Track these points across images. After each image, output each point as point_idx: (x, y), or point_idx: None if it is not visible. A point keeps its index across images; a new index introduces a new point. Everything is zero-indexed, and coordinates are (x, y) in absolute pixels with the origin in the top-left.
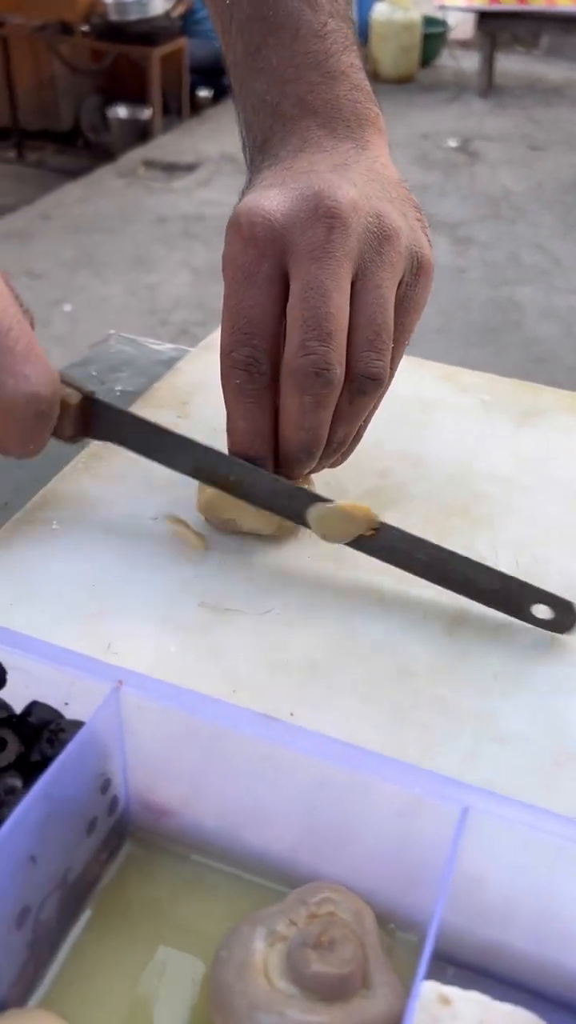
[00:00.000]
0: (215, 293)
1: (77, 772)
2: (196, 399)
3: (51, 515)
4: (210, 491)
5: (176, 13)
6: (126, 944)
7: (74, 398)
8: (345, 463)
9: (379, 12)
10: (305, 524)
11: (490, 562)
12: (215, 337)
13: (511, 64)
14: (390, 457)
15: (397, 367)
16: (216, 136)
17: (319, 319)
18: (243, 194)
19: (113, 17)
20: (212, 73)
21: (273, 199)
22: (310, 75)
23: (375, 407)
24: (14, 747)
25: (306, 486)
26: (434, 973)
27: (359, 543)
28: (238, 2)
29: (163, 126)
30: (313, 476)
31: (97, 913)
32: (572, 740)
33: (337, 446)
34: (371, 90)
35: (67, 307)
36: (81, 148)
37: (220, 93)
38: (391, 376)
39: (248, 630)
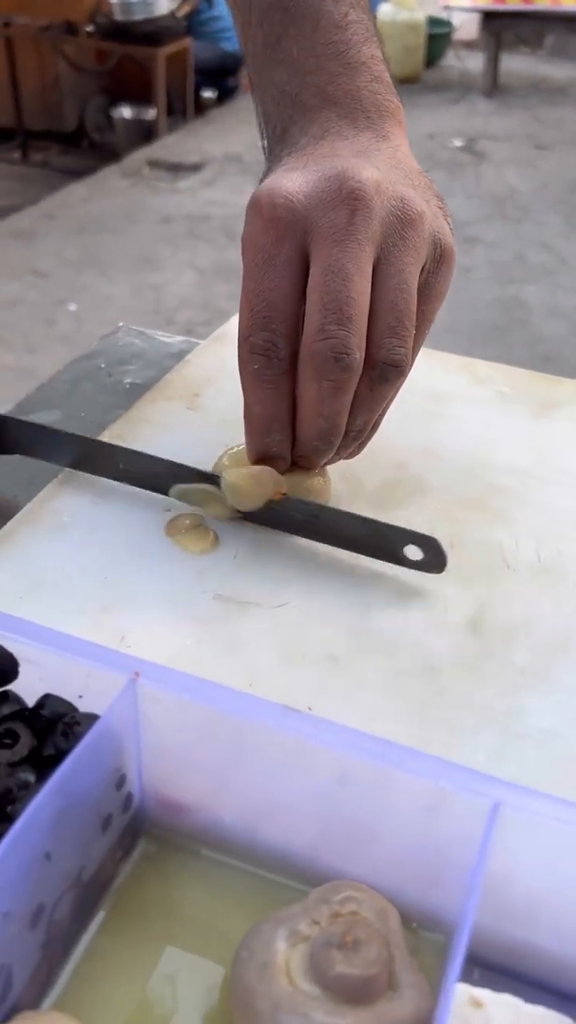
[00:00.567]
0: (220, 293)
1: (92, 767)
2: (207, 391)
3: (61, 507)
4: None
5: (181, 13)
6: (141, 945)
7: None
8: (360, 455)
9: (384, 12)
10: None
11: (511, 555)
12: (225, 329)
13: (516, 64)
14: (406, 449)
15: (416, 356)
16: (221, 136)
17: (339, 303)
18: (262, 182)
19: (118, 17)
20: (217, 74)
21: (295, 180)
22: (330, 66)
23: (394, 396)
24: (27, 741)
25: (320, 478)
26: (461, 975)
27: (259, 513)
28: None
29: (168, 126)
30: (328, 468)
31: (112, 913)
32: None
33: (356, 435)
34: (391, 82)
35: (72, 306)
36: (86, 148)
37: (225, 94)
38: (411, 365)
39: (265, 622)
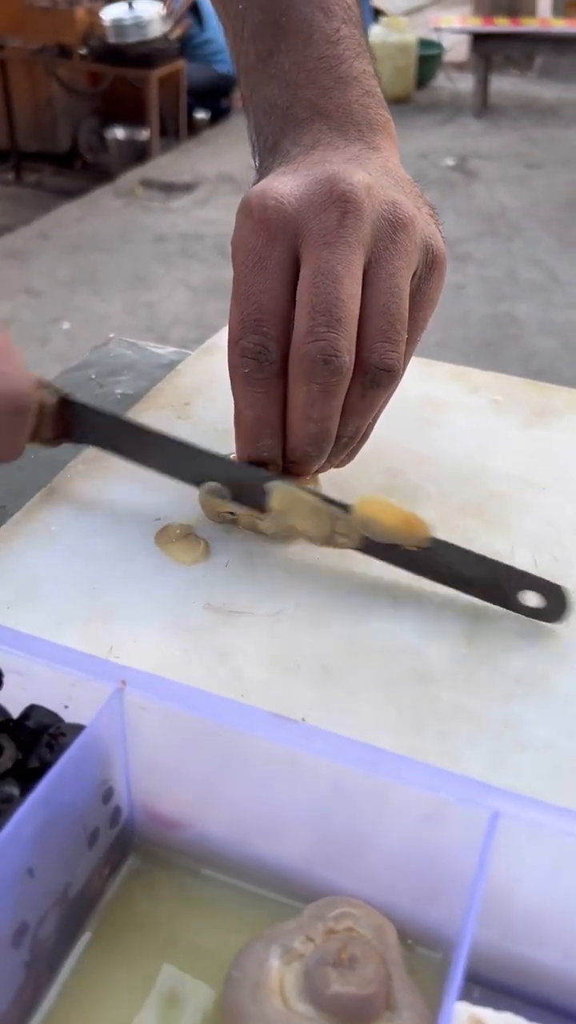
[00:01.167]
0: (213, 310)
1: (78, 779)
2: (198, 401)
3: (50, 517)
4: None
5: (174, 35)
6: (130, 964)
7: (51, 399)
8: (354, 462)
9: (375, 34)
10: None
11: (507, 562)
12: (215, 340)
13: (506, 85)
14: (401, 457)
15: (408, 362)
16: (214, 156)
17: (329, 304)
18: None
19: (111, 40)
20: (210, 95)
21: (286, 183)
22: (322, 80)
23: (385, 403)
24: (11, 753)
25: (312, 486)
26: (461, 993)
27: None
28: (250, 8)
29: (161, 147)
30: (320, 476)
31: (99, 931)
32: None
33: (347, 441)
34: (383, 96)
35: (65, 325)
36: (79, 169)
37: (218, 115)
38: (403, 371)
39: (256, 632)
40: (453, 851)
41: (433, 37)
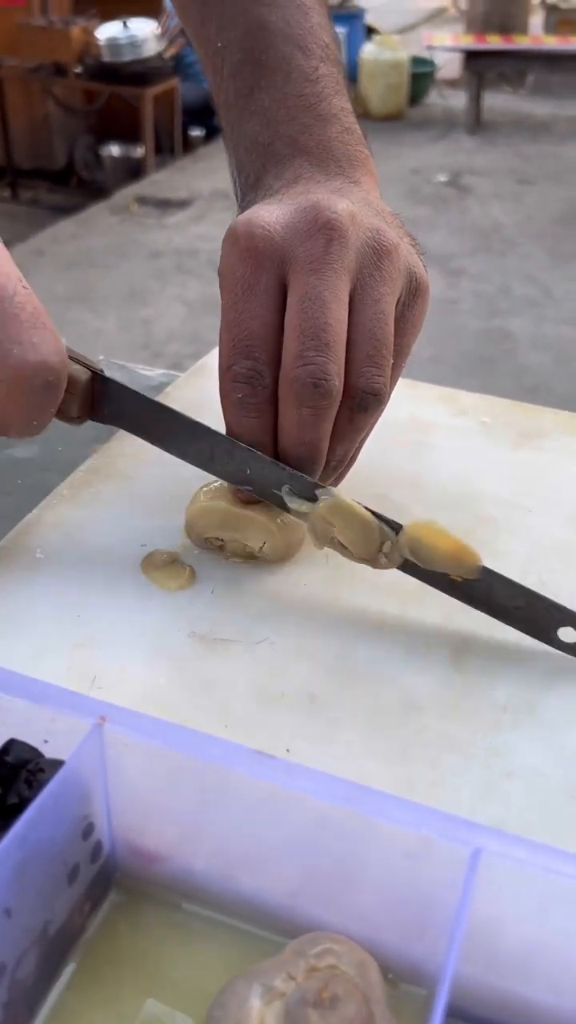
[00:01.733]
0: (209, 326)
1: (56, 815)
2: None
3: (34, 543)
4: (193, 508)
5: (169, 54)
6: (113, 1001)
7: (83, 375)
8: (341, 486)
9: (367, 52)
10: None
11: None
12: (205, 362)
13: (498, 102)
14: (388, 480)
15: (393, 388)
16: (209, 173)
17: (317, 329)
18: None
19: (106, 58)
20: (204, 113)
21: (272, 211)
22: (302, 117)
23: (372, 427)
24: None
25: None
26: None
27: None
28: (229, 47)
29: (156, 164)
30: None
31: (80, 968)
32: None
33: (336, 465)
34: (361, 133)
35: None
36: (74, 186)
37: (212, 132)
38: (389, 396)
39: (242, 660)
40: (437, 887)
41: (426, 55)
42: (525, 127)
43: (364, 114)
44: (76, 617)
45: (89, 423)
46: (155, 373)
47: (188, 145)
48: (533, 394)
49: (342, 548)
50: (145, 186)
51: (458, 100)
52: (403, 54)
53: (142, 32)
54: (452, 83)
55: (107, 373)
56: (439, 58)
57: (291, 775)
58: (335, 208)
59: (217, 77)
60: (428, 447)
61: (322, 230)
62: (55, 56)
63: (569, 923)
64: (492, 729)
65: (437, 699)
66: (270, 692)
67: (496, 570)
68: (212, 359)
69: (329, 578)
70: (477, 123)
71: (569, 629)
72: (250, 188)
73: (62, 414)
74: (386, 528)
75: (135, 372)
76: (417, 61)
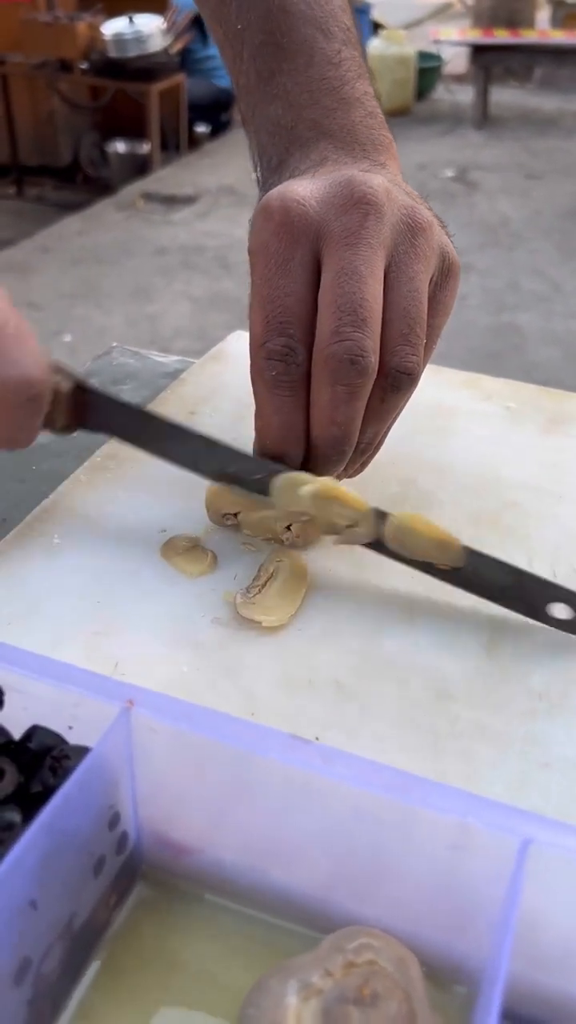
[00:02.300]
0: (214, 322)
1: (83, 804)
2: (203, 409)
3: (52, 529)
4: (216, 486)
5: (174, 50)
6: (138, 1000)
7: (66, 385)
8: (366, 472)
9: (374, 47)
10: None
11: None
12: (221, 348)
13: (505, 96)
14: (413, 466)
15: (424, 369)
16: (215, 169)
17: (354, 305)
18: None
19: (112, 54)
20: (210, 109)
21: (306, 186)
22: (325, 101)
23: (402, 408)
24: (12, 777)
25: None
26: None
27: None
28: (249, 28)
29: (162, 160)
30: None
31: (105, 964)
32: None
33: (364, 448)
34: (384, 118)
35: (67, 337)
36: (80, 183)
37: (218, 128)
38: (420, 376)
39: (266, 647)
40: (481, 879)
41: (433, 49)
42: (532, 122)
43: None
44: (96, 603)
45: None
46: (169, 360)
47: (194, 141)
48: None
49: (325, 531)
50: (151, 182)
51: (465, 95)
52: (410, 49)
53: (148, 27)
54: (459, 78)
55: (120, 360)
56: (446, 53)
57: (329, 761)
58: (371, 183)
59: (237, 59)
60: (453, 432)
61: (358, 205)
62: (60, 52)
63: None
64: (527, 718)
65: (469, 687)
66: (297, 680)
67: (514, 559)
68: (228, 345)
69: (356, 563)
70: (484, 118)
71: (561, 605)
72: (273, 171)
73: (49, 425)
74: (378, 510)
75: (149, 359)
76: (424, 56)
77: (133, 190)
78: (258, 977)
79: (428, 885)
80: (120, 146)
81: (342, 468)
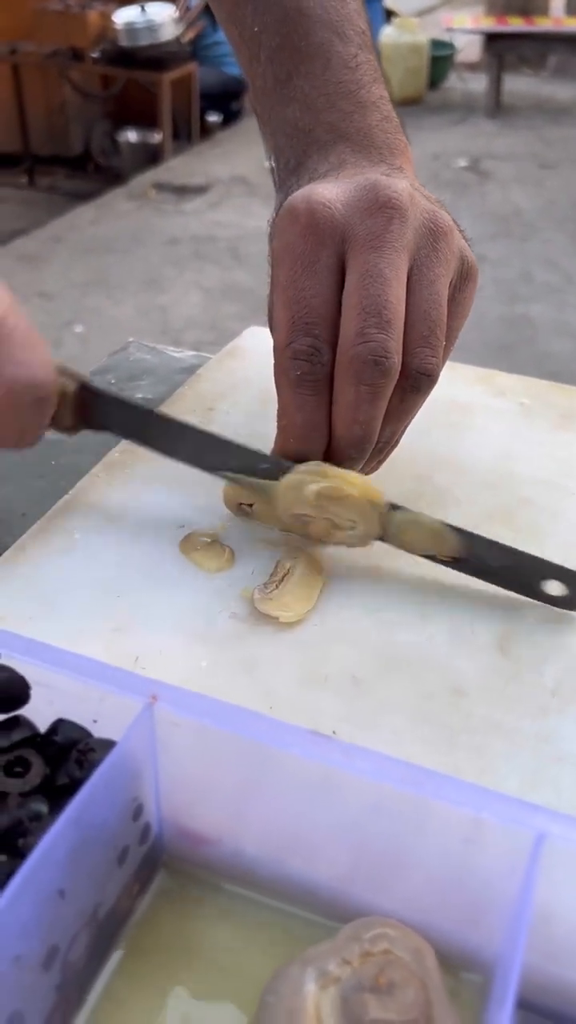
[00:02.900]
0: (226, 313)
1: (109, 797)
2: (221, 405)
3: (72, 525)
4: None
5: (186, 39)
6: (159, 986)
7: (71, 386)
8: (381, 468)
9: (387, 35)
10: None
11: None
12: (238, 343)
13: (519, 85)
14: (428, 462)
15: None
16: (226, 159)
17: (379, 306)
18: (277, 211)
19: (123, 43)
20: (222, 98)
21: (331, 189)
22: (342, 104)
23: (419, 408)
24: (39, 769)
25: None
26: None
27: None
28: (266, 31)
29: (173, 150)
30: None
31: (128, 952)
32: None
33: (382, 446)
34: (399, 122)
35: (78, 328)
36: (92, 172)
37: (230, 118)
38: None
39: (284, 643)
40: (495, 872)
41: (445, 37)
42: (546, 110)
43: None
44: (115, 599)
45: None
46: (185, 355)
47: (205, 131)
48: (556, 380)
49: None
50: (162, 172)
51: (478, 83)
52: (422, 37)
53: (159, 16)
54: (472, 66)
55: (136, 355)
56: (459, 41)
57: (348, 756)
58: (395, 187)
59: (253, 61)
60: (467, 428)
61: (383, 208)
62: (72, 41)
63: None
64: (540, 714)
65: (483, 684)
66: (313, 675)
67: (540, 553)
68: (243, 341)
69: (372, 559)
70: (497, 106)
71: (554, 582)
72: (291, 173)
73: (56, 425)
74: (385, 504)
75: (164, 354)
76: (437, 44)
77: (145, 180)
78: (275, 965)
79: (442, 878)
80: (132, 135)
81: (360, 466)
